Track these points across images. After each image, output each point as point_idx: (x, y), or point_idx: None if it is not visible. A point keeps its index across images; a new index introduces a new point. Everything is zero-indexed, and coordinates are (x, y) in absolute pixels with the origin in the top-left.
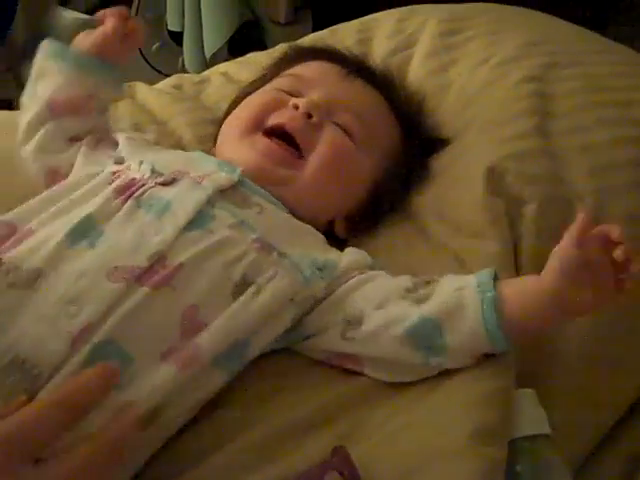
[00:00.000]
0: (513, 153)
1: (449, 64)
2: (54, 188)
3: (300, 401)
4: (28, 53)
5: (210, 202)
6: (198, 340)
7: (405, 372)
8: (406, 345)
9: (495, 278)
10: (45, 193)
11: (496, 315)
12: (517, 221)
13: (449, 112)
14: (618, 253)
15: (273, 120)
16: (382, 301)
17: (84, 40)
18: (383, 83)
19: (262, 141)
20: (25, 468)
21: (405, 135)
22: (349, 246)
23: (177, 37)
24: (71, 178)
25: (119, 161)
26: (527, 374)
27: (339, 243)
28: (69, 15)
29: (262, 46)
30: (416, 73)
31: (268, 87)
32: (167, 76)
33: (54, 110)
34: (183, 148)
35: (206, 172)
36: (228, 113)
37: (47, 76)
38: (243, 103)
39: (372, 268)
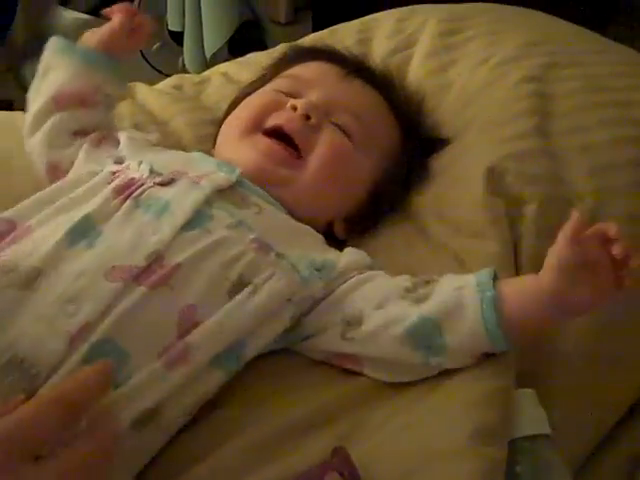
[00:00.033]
0: (513, 153)
1: (449, 64)
2: (54, 185)
3: (300, 401)
4: (28, 53)
5: (208, 202)
6: (193, 338)
7: (405, 372)
8: (406, 345)
9: (494, 278)
10: (45, 190)
11: (496, 315)
12: (517, 221)
13: (449, 112)
14: (617, 249)
15: (272, 121)
16: (381, 301)
17: (91, 37)
18: (382, 83)
19: (263, 141)
20: (25, 466)
21: (405, 135)
22: (348, 246)
23: (177, 37)
24: (71, 175)
25: (119, 161)
26: (527, 374)
27: (338, 243)
28: (69, 15)
29: (262, 46)
30: (416, 73)
31: (267, 88)
32: (167, 76)
33: (60, 102)
34: (183, 148)
35: (205, 172)
36: (228, 113)
37: (54, 71)
38: (243, 103)
39: (371, 268)
